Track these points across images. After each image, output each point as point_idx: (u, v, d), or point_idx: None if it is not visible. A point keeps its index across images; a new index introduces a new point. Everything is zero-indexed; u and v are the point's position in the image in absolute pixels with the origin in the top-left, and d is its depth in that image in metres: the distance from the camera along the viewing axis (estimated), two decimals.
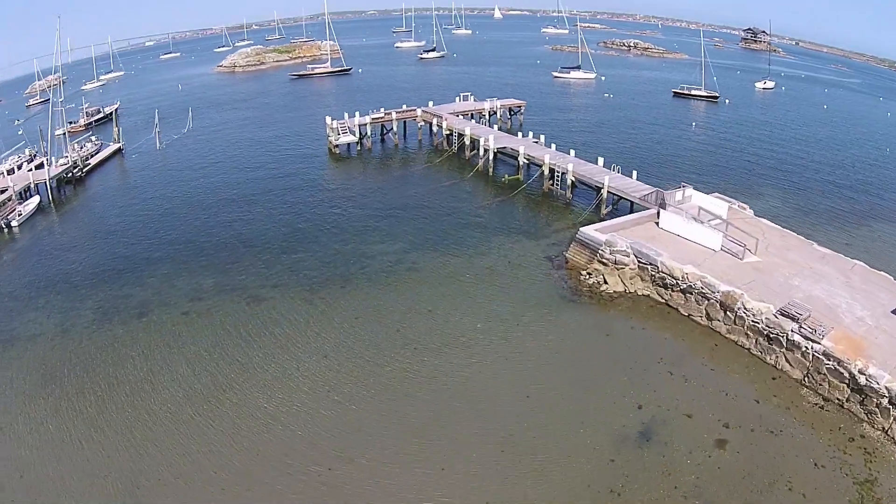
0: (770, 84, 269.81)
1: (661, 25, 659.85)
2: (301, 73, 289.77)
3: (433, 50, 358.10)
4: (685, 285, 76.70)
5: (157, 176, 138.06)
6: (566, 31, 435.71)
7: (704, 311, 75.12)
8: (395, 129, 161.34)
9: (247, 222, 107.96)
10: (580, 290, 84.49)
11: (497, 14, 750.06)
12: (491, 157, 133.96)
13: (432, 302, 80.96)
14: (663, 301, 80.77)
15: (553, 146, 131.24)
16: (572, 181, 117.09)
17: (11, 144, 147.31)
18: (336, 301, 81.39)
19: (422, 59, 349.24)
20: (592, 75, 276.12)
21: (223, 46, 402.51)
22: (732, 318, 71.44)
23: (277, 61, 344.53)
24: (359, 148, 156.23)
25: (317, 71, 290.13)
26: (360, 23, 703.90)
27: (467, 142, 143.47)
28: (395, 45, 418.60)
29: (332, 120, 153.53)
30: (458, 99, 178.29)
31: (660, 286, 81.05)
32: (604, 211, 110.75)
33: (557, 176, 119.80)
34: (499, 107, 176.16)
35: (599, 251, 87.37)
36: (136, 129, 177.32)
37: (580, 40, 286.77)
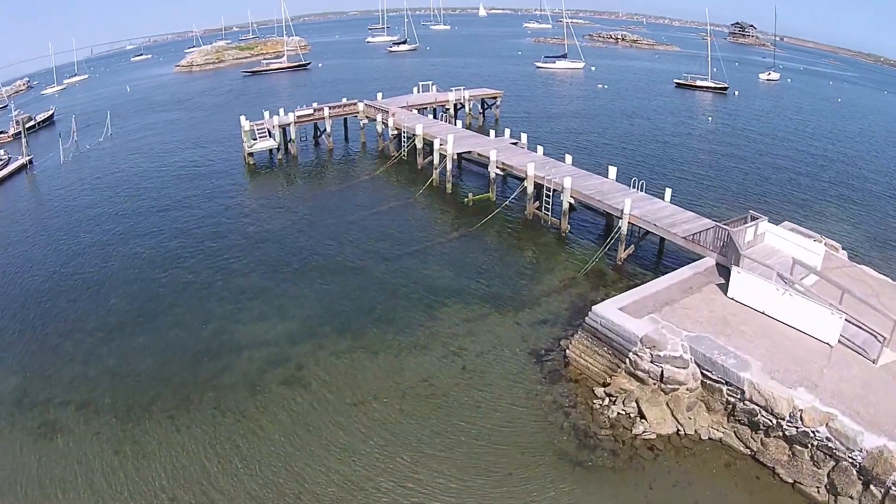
0: (774, 76, 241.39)
1: (645, 22, 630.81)
2: (255, 69, 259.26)
3: (403, 42, 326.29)
4: (794, 430, 38.15)
5: (40, 203, 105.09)
6: (549, 26, 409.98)
7: (827, 481, 37.24)
8: (328, 129, 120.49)
9: (93, 286, 70.58)
10: (594, 432, 44.10)
11: (482, 12, 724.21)
12: (450, 165, 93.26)
13: (309, 470, 41.95)
14: (748, 452, 41.47)
15: (540, 150, 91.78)
16: (570, 203, 75.97)
17: None
18: (150, 455, 43.64)
19: (391, 52, 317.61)
20: (581, 65, 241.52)
21: (193, 47, 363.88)
22: (882, 496, 33.99)
23: (237, 59, 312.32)
24: (280, 156, 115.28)
25: (272, 67, 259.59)
26: (340, 22, 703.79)
27: (419, 144, 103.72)
28: (367, 39, 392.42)
29: (247, 121, 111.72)
30: (415, 90, 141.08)
31: (744, 424, 41.48)
32: (622, 254, 69.91)
33: (547, 195, 78.91)
34: (467, 98, 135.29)
35: (630, 355, 45.90)
36: (62, 137, 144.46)
37: (566, 31, 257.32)
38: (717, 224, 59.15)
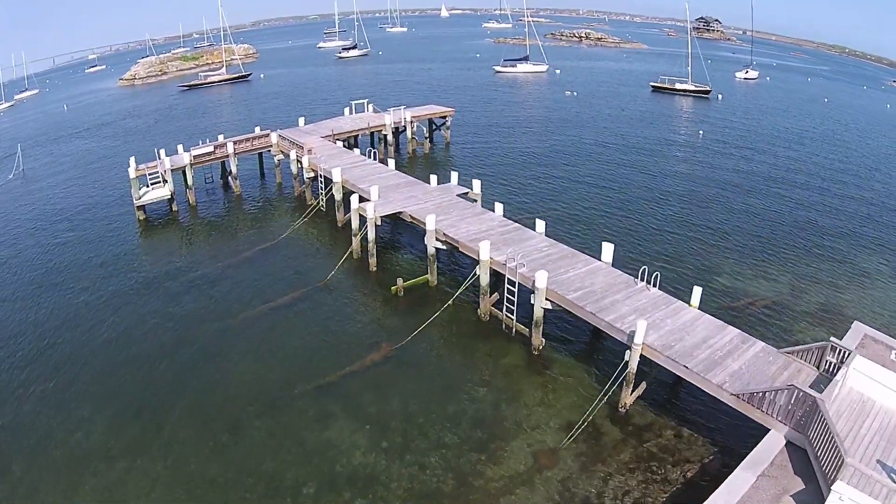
0: (753, 74, 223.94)
1: (607, 19, 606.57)
2: (192, 83, 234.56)
3: (354, 48, 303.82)
4: None
5: None
6: (509, 26, 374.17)
7: None
8: (233, 169, 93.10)
9: None
10: None
11: (444, 13, 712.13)
12: (372, 233, 65.55)
13: None
14: None
15: (499, 209, 64.07)
16: (544, 309, 48.22)
17: None
18: None
19: (340, 58, 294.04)
20: (544, 68, 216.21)
21: (148, 56, 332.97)
22: None
23: (181, 70, 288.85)
24: (173, 208, 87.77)
25: (210, 79, 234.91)
26: (298, 27, 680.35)
27: (338, 195, 76.84)
28: (318, 45, 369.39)
29: (136, 164, 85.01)
30: (347, 110, 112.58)
31: None
32: (627, 397, 43.42)
33: (510, 288, 50.88)
34: (409, 119, 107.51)
35: None
36: None
37: (527, 31, 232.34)
38: (794, 387, 34.03)
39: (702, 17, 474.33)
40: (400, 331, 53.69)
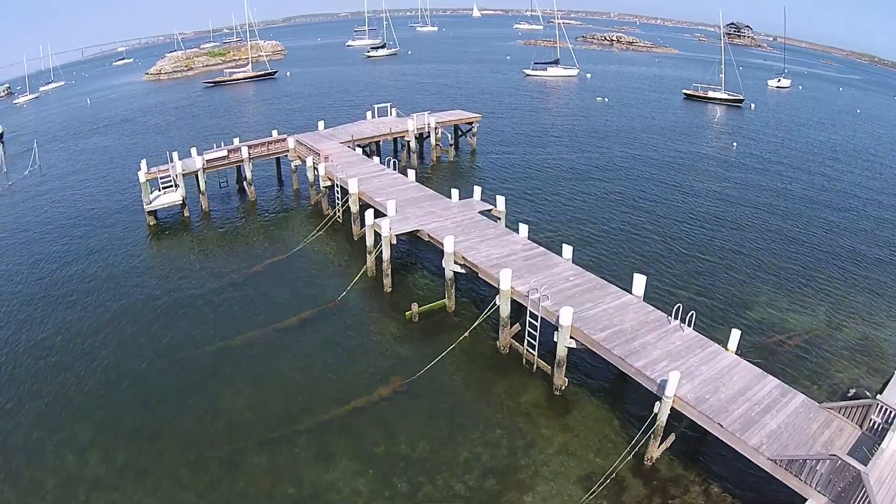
0: (785, 83, 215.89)
1: (638, 23, 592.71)
2: (217, 79, 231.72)
3: (382, 47, 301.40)
4: None
5: None
6: (540, 27, 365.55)
7: None
8: (248, 174, 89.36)
9: None
10: None
11: (475, 13, 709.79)
12: (387, 253, 60.96)
13: None
14: None
15: (523, 230, 59.04)
16: (569, 347, 43.90)
17: None
18: None
19: (369, 57, 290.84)
20: (575, 72, 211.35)
21: (175, 51, 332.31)
22: None
23: (207, 66, 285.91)
24: (185, 213, 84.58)
25: (235, 76, 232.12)
26: (329, 24, 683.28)
27: (353, 207, 72.61)
28: (347, 43, 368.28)
29: (147, 168, 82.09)
30: (369, 114, 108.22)
31: None
32: (654, 451, 39.08)
33: (532, 321, 46.88)
34: (433, 125, 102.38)
35: None
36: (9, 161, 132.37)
37: (558, 33, 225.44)
38: (836, 457, 30.38)
39: (733, 23, 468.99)
40: (412, 362, 49.93)
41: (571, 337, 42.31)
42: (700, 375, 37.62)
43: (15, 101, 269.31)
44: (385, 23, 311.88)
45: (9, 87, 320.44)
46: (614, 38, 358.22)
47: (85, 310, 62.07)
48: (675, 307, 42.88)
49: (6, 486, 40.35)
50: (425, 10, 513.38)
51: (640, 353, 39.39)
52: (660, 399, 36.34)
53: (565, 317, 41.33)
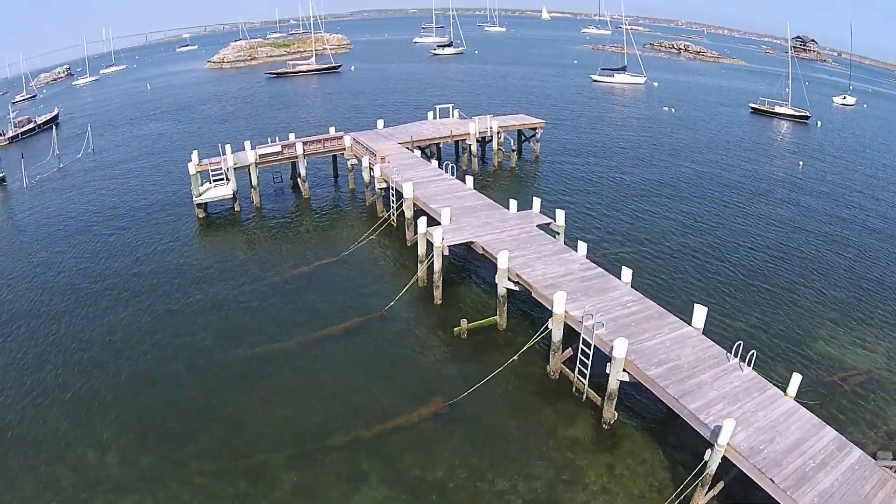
0: (850, 100, 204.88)
1: (705, 31, 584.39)
2: (280, 70, 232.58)
3: (449, 45, 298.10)
4: None
5: None
6: (608, 32, 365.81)
7: None
8: (302, 171, 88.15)
9: None
10: None
11: (545, 15, 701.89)
12: (439, 264, 58.73)
13: None
14: None
15: (582, 248, 55.73)
16: (620, 381, 41.43)
17: None
18: None
19: (435, 55, 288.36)
20: (642, 80, 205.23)
21: (240, 40, 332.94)
22: None
23: (270, 56, 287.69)
24: (236, 208, 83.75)
25: (298, 68, 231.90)
26: (397, 20, 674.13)
27: (408, 212, 70.41)
28: (414, 40, 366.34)
29: (198, 159, 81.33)
30: (430, 114, 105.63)
31: None
32: (701, 498, 35.67)
33: (584, 349, 44.32)
34: (496, 130, 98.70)
35: None
36: (62, 143, 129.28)
37: (626, 39, 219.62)
38: None
39: (799, 37, 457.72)
40: (457, 382, 47.66)
41: (625, 370, 39.95)
42: (756, 423, 35.14)
43: (74, 83, 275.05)
44: (452, 21, 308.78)
45: (69, 69, 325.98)
46: (682, 47, 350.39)
47: (123, 304, 61.21)
48: (736, 344, 39.98)
49: (23, 478, 39.69)
50: (494, 9, 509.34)
51: (696, 393, 36.92)
52: (712, 446, 33.96)
53: (619, 348, 38.98)
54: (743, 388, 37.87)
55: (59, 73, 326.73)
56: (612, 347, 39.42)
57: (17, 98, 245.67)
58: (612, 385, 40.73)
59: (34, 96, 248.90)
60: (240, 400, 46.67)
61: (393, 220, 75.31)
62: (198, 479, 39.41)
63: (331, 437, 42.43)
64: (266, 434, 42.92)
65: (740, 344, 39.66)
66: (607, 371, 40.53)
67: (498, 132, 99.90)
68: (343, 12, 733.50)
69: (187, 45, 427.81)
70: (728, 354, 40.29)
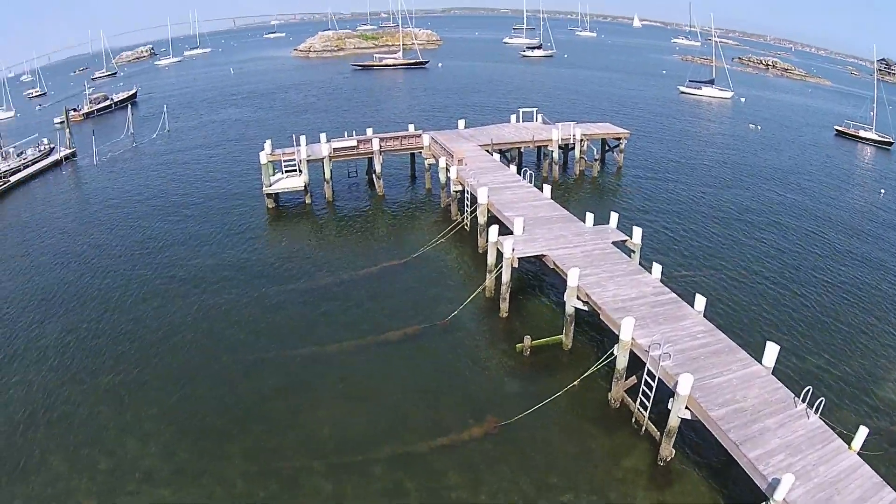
0: None
1: (793, 49, 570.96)
2: (366, 63, 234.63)
3: (539, 47, 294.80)
4: None
5: (33, 214, 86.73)
6: (698, 44, 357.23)
7: None
8: (378, 168, 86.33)
9: None
10: None
11: (636, 23, 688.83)
12: (507, 275, 56.16)
13: None
14: None
15: (656, 270, 52.30)
16: (682, 418, 38.56)
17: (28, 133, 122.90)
18: None
19: (524, 56, 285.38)
20: (729, 94, 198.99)
21: (328, 30, 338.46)
22: None
23: (358, 48, 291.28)
24: (307, 200, 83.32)
25: (385, 62, 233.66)
26: (487, 19, 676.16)
27: (481, 219, 68.01)
28: (504, 40, 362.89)
29: (271, 149, 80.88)
30: (513, 118, 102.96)
31: None
32: None
33: (649, 380, 41.36)
34: (578, 138, 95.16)
35: None
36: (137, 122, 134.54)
37: (714, 52, 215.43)
38: None
39: (884, 59, 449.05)
40: (513, 402, 45.33)
41: (687, 407, 37.56)
42: (816, 478, 32.69)
43: (157, 63, 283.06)
44: (543, 23, 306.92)
45: (152, 48, 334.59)
46: (770, 63, 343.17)
47: (182, 291, 60.90)
48: (805, 390, 37.11)
49: (60, 458, 39.58)
50: (585, 14, 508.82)
51: (757, 440, 34.49)
52: (768, 500, 31.65)
53: (684, 385, 36.74)
54: (807, 437, 35.33)
55: (141, 51, 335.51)
56: (676, 382, 37.10)
57: (97, 74, 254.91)
58: (673, 421, 38.38)
59: (114, 73, 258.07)
60: (287, 401, 45.53)
61: (466, 224, 73.51)
62: (232, 478, 38.66)
63: (375, 449, 40.93)
64: (309, 439, 41.76)
65: (809, 389, 36.85)
66: (669, 407, 38.15)
67: (581, 140, 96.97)
68: (435, 8, 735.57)
69: (275, 32, 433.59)
70: (796, 399, 37.55)
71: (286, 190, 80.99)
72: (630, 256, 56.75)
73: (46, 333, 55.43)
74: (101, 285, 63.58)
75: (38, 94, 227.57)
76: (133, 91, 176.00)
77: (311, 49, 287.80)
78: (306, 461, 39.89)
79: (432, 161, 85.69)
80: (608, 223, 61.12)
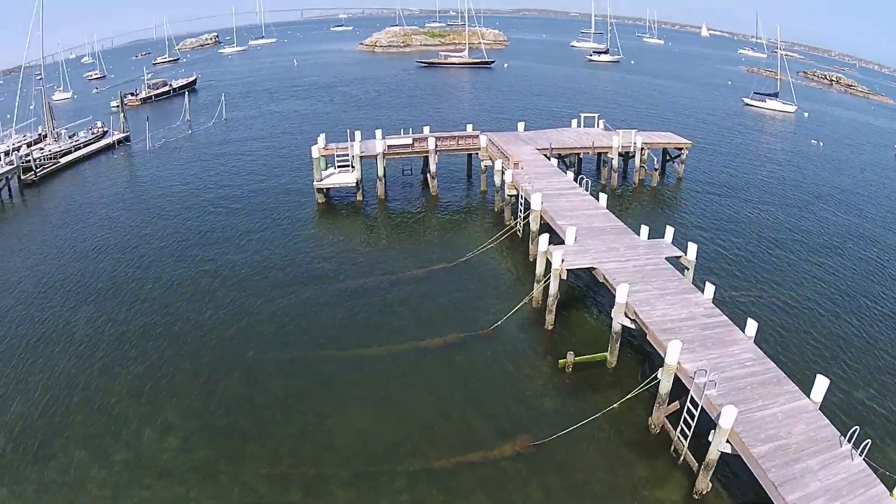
0: None
1: (857, 65, 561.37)
2: (430, 60, 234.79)
3: (605, 52, 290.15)
4: None
5: (84, 196, 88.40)
6: (763, 56, 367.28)
7: None
8: (432, 168, 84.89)
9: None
10: None
11: (704, 32, 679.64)
12: (555, 286, 53.86)
13: None
14: None
15: (709, 290, 49.61)
16: (722, 452, 36.15)
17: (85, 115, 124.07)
18: None
19: (591, 61, 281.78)
20: (792, 108, 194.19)
21: (395, 26, 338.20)
22: None
23: (424, 45, 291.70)
24: (359, 197, 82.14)
25: (450, 60, 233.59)
26: (556, 21, 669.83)
27: (534, 224, 65.39)
28: (571, 43, 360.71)
29: (324, 143, 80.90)
30: (574, 122, 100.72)
31: None
32: None
33: (692, 408, 38.78)
34: (639, 146, 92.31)
35: None
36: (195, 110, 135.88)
37: (780, 64, 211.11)
38: None
39: None
40: (549, 420, 43.17)
41: (728, 441, 35.29)
42: None
43: (221, 51, 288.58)
44: (611, 28, 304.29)
45: (217, 36, 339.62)
46: (833, 78, 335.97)
47: (218, 284, 60.41)
48: (852, 430, 34.48)
49: (76, 446, 39.04)
50: (653, 21, 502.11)
51: (797, 482, 32.23)
52: None
53: (727, 418, 34.44)
54: (849, 481, 32.95)
55: (206, 39, 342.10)
56: (719, 414, 34.77)
57: (159, 59, 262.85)
58: (713, 454, 36.12)
59: (176, 59, 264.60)
60: (316, 404, 44.28)
61: (518, 230, 70.94)
62: (250, 480, 37.48)
63: (401, 461, 39.22)
64: (334, 445, 40.40)
65: (856, 430, 34.26)
66: (710, 439, 35.84)
67: (642, 148, 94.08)
68: (504, 8, 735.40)
69: (342, 26, 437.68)
70: (842, 438, 34.99)
71: (337, 185, 79.90)
72: (683, 274, 54.19)
73: (77, 318, 55.17)
74: (136, 273, 63.43)
75: (97, 76, 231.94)
76: (193, 78, 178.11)
77: (377, 44, 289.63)
78: (329, 467, 38.58)
79: (489, 163, 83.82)
80: (663, 237, 58.44)
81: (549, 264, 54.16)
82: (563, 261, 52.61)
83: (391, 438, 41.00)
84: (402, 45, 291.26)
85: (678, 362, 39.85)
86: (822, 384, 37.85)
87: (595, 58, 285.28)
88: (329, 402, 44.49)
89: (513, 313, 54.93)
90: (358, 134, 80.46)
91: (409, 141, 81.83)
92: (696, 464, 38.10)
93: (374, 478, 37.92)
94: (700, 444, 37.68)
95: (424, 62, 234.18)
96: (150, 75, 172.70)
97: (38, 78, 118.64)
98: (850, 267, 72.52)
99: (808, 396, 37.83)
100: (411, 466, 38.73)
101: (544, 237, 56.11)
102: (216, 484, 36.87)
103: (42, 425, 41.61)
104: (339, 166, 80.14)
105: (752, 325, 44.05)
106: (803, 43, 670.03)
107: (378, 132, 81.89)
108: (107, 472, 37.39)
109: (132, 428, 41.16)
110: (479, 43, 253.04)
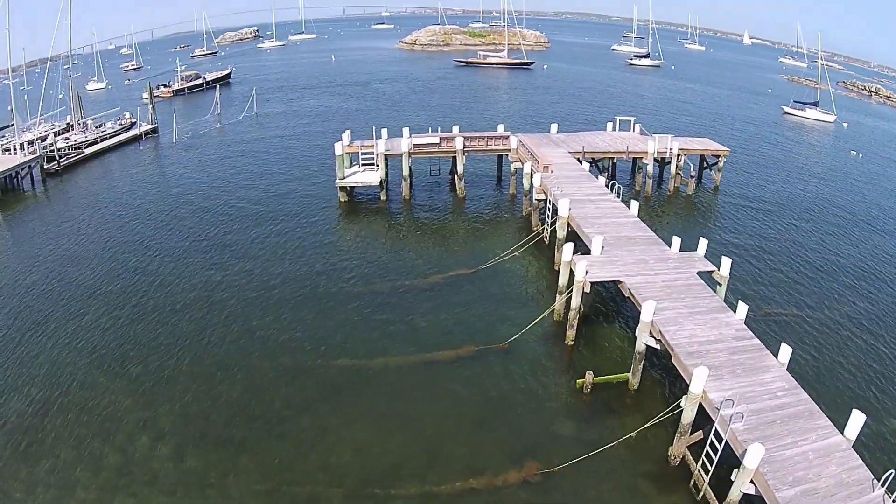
0: None
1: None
2: (469, 59, 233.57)
3: (646, 56, 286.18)
4: None
5: (109, 185, 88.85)
6: (804, 65, 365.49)
7: None
8: (460, 169, 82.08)
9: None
10: None
11: (746, 40, 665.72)
12: (577, 299, 50.21)
13: None
14: None
15: (742, 310, 45.25)
16: (745, 493, 31.98)
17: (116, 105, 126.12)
18: None
19: (631, 64, 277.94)
20: (832, 118, 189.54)
21: (436, 25, 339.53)
22: None
23: (464, 44, 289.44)
24: (383, 196, 79.51)
25: (489, 59, 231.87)
26: (598, 25, 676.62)
27: (560, 233, 61.77)
28: (612, 47, 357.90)
29: (349, 141, 78.90)
30: (609, 126, 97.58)
31: None
32: None
33: (715, 441, 34.98)
34: (675, 152, 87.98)
35: None
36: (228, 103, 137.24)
37: (820, 74, 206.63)
38: None
39: None
40: (562, 446, 39.84)
41: (752, 482, 31.87)
42: None
43: (259, 45, 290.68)
44: (652, 33, 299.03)
45: (257, 31, 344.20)
46: (872, 89, 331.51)
47: (231, 284, 58.64)
48: (888, 474, 31.25)
49: (68, 446, 38.48)
50: (695, 27, 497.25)
51: None
52: None
53: (752, 458, 31.19)
54: None
55: (245, 33, 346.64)
56: (745, 452, 31.44)
57: (197, 52, 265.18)
58: (734, 495, 32.86)
59: (215, 52, 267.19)
60: (317, 417, 41.82)
61: (545, 237, 67.73)
62: (239, 495, 35.43)
63: (399, 484, 36.52)
64: (331, 463, 37.90)
65: (892, 474, 31.01)
66: (733, 477, 32.48)
67: (678, 154, 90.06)
68: (546, 10, 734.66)
69: (383, 23, 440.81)
70: (874, 482, 31.64)
71: (360, 184, 77.46)
72: (715, 290, 50.34)
73: (85, 312, 53.84)
74: (149, 268, 61.74)
75: (133, 67, 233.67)
76: (227, 71, 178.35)
77: (417, 42, 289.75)
78: (323, 487, 36.13)
79: (518, 165, 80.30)
80: (696, 250, 54.57)
81: (572, 275, 50.83)
82: (586, 272, 49.31)
83: (391, 458, 38.43)
84: (441, 43, 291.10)
85: (703, 391, 36.37)
86: (857, 420, 34.30)
87: (635, 62, 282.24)
88: (330, 415, 42.04)
89: (532, 326, 51.63)
90: (384, 132, 78.43)
91: (437, 140, 79.10)
92: (717, 502, 34.71)
93: (370, 500, 35.54)
94: (722, 480, 34.35)
95: (462, 61, 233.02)
96: (183, 67, 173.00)
97: (65, 68, 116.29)
98: (891, 293, 67.41)
99: (842, 433, 34.21)
100: (409, 490, 36.10)
101: (569, 246, 52.80)
102: (203, 497, 35.07)
103: (36, 421, 40.97)
104: (363, 164, 77.91)
105: (785, 351, 40.21)
106: (843, 53, 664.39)
107: (405, 130, 79.29)
108: (93, 475, 36.20)
109: (125, 431, 39.91)
110: (520, 44, 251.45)
